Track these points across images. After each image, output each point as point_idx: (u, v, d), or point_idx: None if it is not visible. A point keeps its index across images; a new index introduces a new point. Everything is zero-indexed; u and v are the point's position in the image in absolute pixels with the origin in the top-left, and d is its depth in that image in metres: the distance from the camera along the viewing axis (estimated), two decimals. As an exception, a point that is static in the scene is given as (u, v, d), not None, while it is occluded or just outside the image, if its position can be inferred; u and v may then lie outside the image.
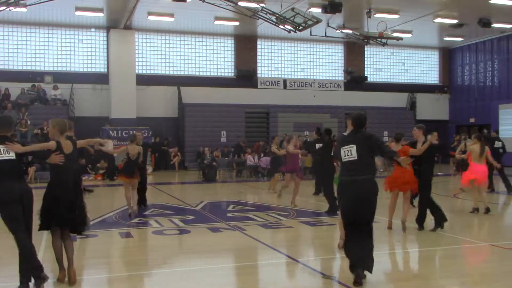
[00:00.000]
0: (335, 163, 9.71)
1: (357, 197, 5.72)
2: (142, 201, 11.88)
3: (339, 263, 6.67)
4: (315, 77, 28.24)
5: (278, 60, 27.82)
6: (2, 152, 5.52)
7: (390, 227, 8.78)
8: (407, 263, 7.15)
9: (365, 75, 28.90)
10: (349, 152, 5.80)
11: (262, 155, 22.47)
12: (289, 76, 27.84)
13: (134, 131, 12.85)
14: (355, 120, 5.95)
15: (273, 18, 18.90)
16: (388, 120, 27.47)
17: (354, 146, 5.78)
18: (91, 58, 24.70)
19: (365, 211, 5.73)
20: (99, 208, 11.76)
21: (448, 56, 30.82)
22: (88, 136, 22.19)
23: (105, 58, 24.66)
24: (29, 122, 21.46)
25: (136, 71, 24.36)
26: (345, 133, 7.24)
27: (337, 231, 7.09)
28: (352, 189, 5.76)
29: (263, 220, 10.04)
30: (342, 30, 23.20)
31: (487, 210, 10.50)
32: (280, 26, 19.35)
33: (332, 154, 10.48)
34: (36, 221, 6.03)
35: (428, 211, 8.73)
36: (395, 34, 22.83)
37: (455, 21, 23.60)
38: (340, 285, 5.77)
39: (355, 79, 28.38)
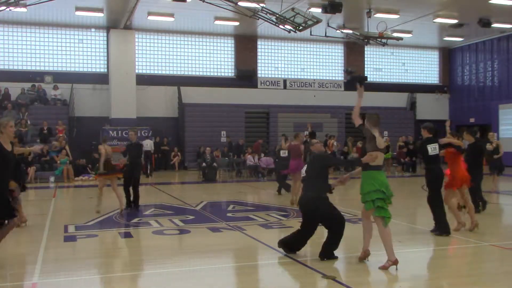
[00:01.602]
0: None
1: (303, 211, 6.79)
2: (134, 200, 11.91)
3: (339, 263, 6.66)
4: (315, 77, 28.24)
5: (278, 60, 27.81)
6: None
7: (457, 229, 8.64)
8: (407, 263, 7.14)
9: (365, 75, 28.89)
10: (304, 171, 7.17)
11: (263, 155, 22.46)
12: (289, 76, 27.84)
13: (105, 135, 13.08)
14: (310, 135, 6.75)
15: (273, 18, 18.89)
16: (388, 120, 27.39)
17: (305, 166, 6.98)
18: (91, 58, 24.69)
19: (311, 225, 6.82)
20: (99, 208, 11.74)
21: (448, 56, 30.81)
22: (88, 136, 22.25)
23: (105, 58, 24.66)
24: (29, 122, 21.47)
25: (136, 71, 24.35)
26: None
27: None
28: (301, 203, 6.92)
29: (263, 220, 10.04)
30: (342, 30, 23.21)
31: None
32: (280, 26, 19.35)
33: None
34: None
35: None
36: (395, 34, 22.83)
37: (455, 21, 23.60)
38: (340, 285, 5.77)
39: (355, 79, 28.35)
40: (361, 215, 6.86)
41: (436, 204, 8.39)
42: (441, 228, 8.31)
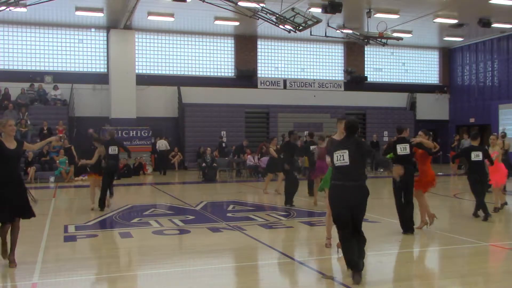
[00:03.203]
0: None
1: (346, 202, 5.82)
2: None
3: (339, 263, 6.66)
4: (315, 77, 28.23)
5: (278, 60, 27.81)
6: None
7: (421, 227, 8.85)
8: (407, 263, 7.15)
9: (365, 75, 28.89)
10: (342, 157, 5.88)
11: (259, 155, 22.36)
12: (289, 76, 27.83)
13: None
14: (348, 126, 6.05)
15: (273, 18, 18.89)
16: (388, 120, 27.46)
17: (347, 151, 5.87)
18: (91, 58, 24.68)
19: (354, 216, 5.83)
20: (99, 208, 11.74)
21: (448, 56, 30.80)
22: (88, 136, 22.18)
23: (105, 58, 24.66)
24: (29, 122, 21.46)
25: (136, 71, 24.34)
26: (335, 137, 7.47)
27: (334, 231, 7.07)
28: (341, 194, 5.88)
29: (263, 220, 10.04)
30: (342, 30, 23.20)
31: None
32: (280, 26, 19.35)
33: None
34: None
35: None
36: (395, 34, 22.82)
37: (455, 21, 23.59)
38: (340, 285, 5.77)
39: (355, 79, 28.37)
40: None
41: (396, 202, 8.59)
42: (404, 227, 8.52)
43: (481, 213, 10.06)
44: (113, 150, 11.73)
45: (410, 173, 8.42)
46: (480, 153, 10.01)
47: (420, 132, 8.97)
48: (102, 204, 11.49)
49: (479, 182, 10.09)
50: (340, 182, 5.90)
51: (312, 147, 13.46)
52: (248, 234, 8.63)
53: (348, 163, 5.84)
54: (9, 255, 6.59)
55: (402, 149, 8.39)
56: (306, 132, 24.49)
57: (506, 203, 10.87)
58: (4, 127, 6.66)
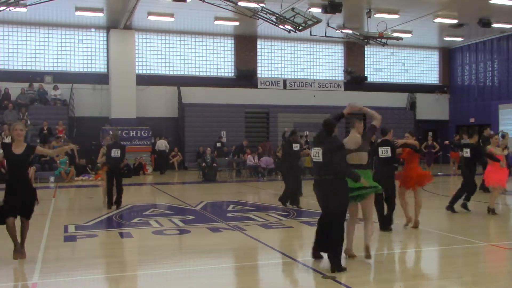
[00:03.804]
0: None
1: (322, 195, 6.32)
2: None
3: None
4: (315, 77, 28.23)
5: (278, 60, 27.81)
6: None
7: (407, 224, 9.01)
8: (408, 263, 7.15)
9: (365, 75, 28.89)
10: (317, 154, 6.31)
11: (257, 156, 22.33)
12: (289, 76, 27.83)
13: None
14: (323, 124, 6.43)
15: (273, 18, 18.90)
16: (388, 120, 27.34)
17: (321, 149, 6.28)
18: (91, 58, 24.68)
19: (330, 208, 6.19)
20: (99, 208, 11.76)
21: (448, 56, 30.80)
22: (88, 136, 22.13)
23: (105, 58, 24.66)
24: (29, 122, 21.46)
25: (136, 71, 24.34)
26: (348, 137, 7.58)
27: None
28: (318, 188, 6.36)
29: (263, 220, 10.04)
30: (342, 30, 23.21)
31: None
32: (280, 26, 19.36)
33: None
34: None
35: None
36: (395, 34, 22.82)
37: (455, 21, 23.59)
38: (340, 285, 5.77)
39: (355, 79, 28.38)
40: (353, 214, 6.90)
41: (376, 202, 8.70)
42: (382, 225, 8.72)
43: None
44: (115, 153, 11.83)
45: (388, 175, 8.65)
46: (468, 150, 10.43)
47: (406, 134, 9.22)
48: (109, 203, 11.70)
49: (468, 175, 10.62)
50: (317, 177, 6.36)
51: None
52: (248, 234, 8.63)
53: (321, 160, 6.25)
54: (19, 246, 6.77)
55: (384, 151, 8.70)
56: (306, 132, 24.60)
57: (493, 210, 10.79)
58: (11, 131, 6.85)
